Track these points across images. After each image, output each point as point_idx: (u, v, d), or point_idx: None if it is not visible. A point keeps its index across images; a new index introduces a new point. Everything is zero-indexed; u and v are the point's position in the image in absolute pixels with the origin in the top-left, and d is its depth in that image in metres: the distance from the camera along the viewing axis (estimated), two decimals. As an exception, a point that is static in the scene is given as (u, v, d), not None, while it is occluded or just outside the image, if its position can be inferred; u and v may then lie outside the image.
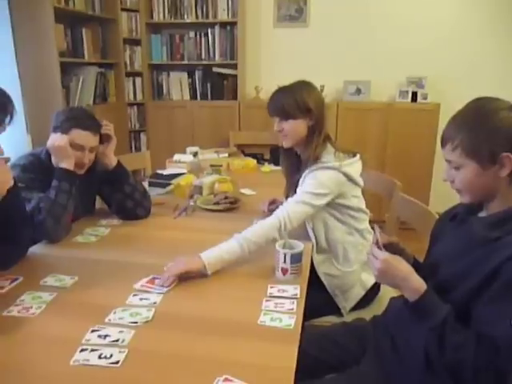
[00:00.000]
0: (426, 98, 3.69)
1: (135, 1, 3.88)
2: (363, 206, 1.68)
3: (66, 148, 1.57)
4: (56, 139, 1.57)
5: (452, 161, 1.05)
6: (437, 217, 1.35)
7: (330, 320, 1.64)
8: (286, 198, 1.82)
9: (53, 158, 1.64)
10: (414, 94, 3.70)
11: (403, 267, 1.05)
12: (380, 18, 3.79)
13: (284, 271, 1.29)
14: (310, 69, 3.89)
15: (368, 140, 3.72)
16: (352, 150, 1.65)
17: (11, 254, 1.38)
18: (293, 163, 1.76)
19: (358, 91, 3.83)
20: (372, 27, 3.82)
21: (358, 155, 1.64)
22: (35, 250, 1.50)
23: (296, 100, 1.60)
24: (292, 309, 1.13)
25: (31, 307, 1.13)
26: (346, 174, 1.56)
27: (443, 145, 1.07)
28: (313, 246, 1.61)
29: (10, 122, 1.16)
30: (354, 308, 1.67)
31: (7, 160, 1.22)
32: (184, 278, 1.29)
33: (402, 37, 3.79)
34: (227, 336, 1.03)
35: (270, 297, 1.19)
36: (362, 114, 3.72)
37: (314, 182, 1.53)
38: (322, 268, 1.64)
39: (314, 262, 1.60)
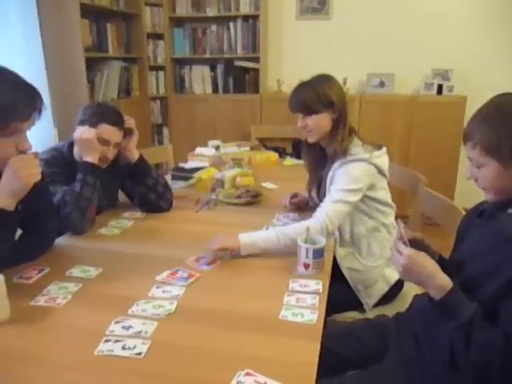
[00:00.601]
0: (451, 91, 3.60)
1: (158, -5, 3.90)
2: (389, 199, 1.66)
3: (93, 141, 1.59)
4: (84, 132, 1.59)
5: (473, 159, 1.02)
6: (463, 212, 1.32)
7: (352, 316, 1.63)
8: (309, 192, 1.81)
9: (77, 151, 1.67)
10: (440, 87, 3.62)
11: (428, 264, 1.03)
12: (404, 9, 3.71)
13: (306, 266, 1.28)
14: (333, 61, 3.84)
15: (391, 133, 3.66)
16: (378, 143, 1.63)
17: (38, 245, 1.42)
18: (316, 158, 1.74)
19: (382, 84, 3.77)
20: (396, 19, 3.74)
21: (385, 148, 1.62)
22: (61, 241, 1.53)
23: (318, 94, 1.58)
24: (314, 304, 1.12)
25: (57, 297, 1.16)
26: (376, 166, 1.54)
27: (464, 142, 1.04)
28: (336, 239, 1.60)
29: (38, 117, 1.18)
30: (377, 304, 1.65)
31: (36, 155, 1.25)
32: (206, 273, 1.29)
33: (427, 28, 3.70)
34: (248, 330, 1.03)
35: (292, 291, 1.19)
36: (386, 107, 3.66)
37: (346, 178, 1.52)
38: (345, 262, 1.62)
39: (337, 256, 1.59)
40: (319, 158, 1.72)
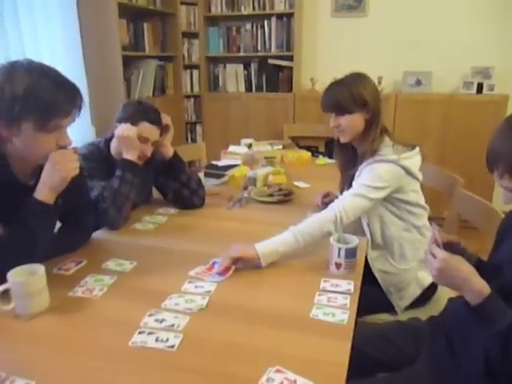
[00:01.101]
0: (492, 90, 3.48)
1: (194, -6, 3.95)
2: (422, 201, 1.62)
3: (134, 138, 1.63)
4: (126, 129, 1.63)
5: (505, 187, 0.98)
6: (501, 215, 1.27)
7: (383, 318, 1.60)
8: (341, 192, 1.79)
9: (114, 147, 1.71)
10: (480, 85, 3.50)
11: (464, 267, 1.00)
12: (442, 4, 3.61)
13: (338, 266, 1.27)
14: (368, 59, 3.79)
15: (428, 133, 3.57)
16: (411, 143, 1.59)
17: (77, 238, 1.47)
18: (348, 157, 1.72)
19: (419, 82, 3.68)
20: (434, 15, 3.64)
21: (418, 148, 1.58)
22: (97, 235, 1.58)
23: (351, 93, 1.56)
24: (345, 304, 1.12)
25: (94, 289, 1.19)
26: (404, 167, 1.51)
27: (489, 169, 1.00)
28: (367, 241, 1.58)
29: (78, 113, 1.22)
30: (409, 307, 1.62)
31: (75, 150, 1.29)
32: (238, 269, 1.31)
33: (467, 25, 3.59)
34: (279, 327, 1.03)
35: (323, 291, 1.18)
36: (422, 106, 3.57)
37: (371, 175, 1.49)
38: (377, 264, 1.60)
39: (369, 258, 1.57)
40: (351, 158, 1.70)
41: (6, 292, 1.04)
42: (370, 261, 1.58)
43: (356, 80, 1.60)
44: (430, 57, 3.71)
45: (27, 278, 1.06)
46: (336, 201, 1.51)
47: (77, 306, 1.12)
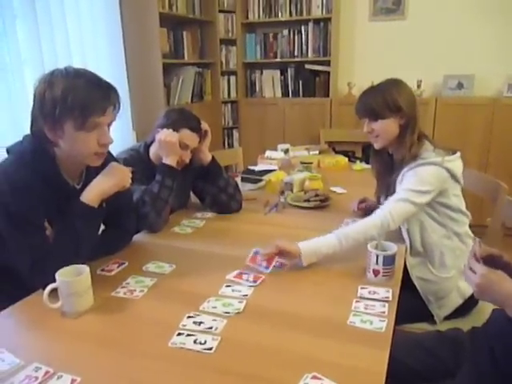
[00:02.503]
0: (540, 92, 3.34)
1: (232, 2, 4.01)
2: (463, 207, 1.58)
3: (176, 144, 1.67)
4: (168, 135, 1.67)
5: None
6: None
7: (421, 327, 1.57)
8: (378, 200, 1.76)
9: (153, 151, 1.77)
10: (526, 88, 3.37)
11: (506, 283, 0.96)
12: (484, 5, 3.49)
13: (376, 273, 1.26)
14: (407, 63, 3.72)
15: (469, 138, 3.46)
16: (452, 147, 1.56)
17: (119, 240, 1.52)
18: (384, 164, 1.71)
19: (460, 86, 3.58)
20: (475, 16, 3.53)
21: (459, 153, 1.55)
22: (138, 238, 1.62)
23: (385, 99, 1.55)
24: (383, 312, 1.10)
25: (135, 290, 1.23)
26: (448, 170, 1.48)
27: None
28: (407, 248, 1.55)
29: (115, 111, 1.25)
30: (449, 316, 1.57)
31: (132, 171, 1.40)
32: (275, 273, 1.31)
33: (509, 26, 3.45)
34: (316, 333, 1.03)
35: (361, 298, 1.17)
36: (464, 110, 3.47)
37: (415, 180, 1.47)
38: (416, 272, 1.57)
39: (408, 265, 1.54)
40: (387, 165, 1.68)
41: (55, 291, 1.09)
42: (408, 268, 1.55)
43: (390, 85, 1.59)
44: (471, 59, 3.60)
45: (73, 278, 1.11)
46: (381, 207, 1.49)
47: (119, 305, 1.16)
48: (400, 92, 1.57)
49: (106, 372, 0.92)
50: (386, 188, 1.67)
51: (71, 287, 1.10)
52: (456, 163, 1.52)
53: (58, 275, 1.09)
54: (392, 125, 1.56)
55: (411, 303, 1.51)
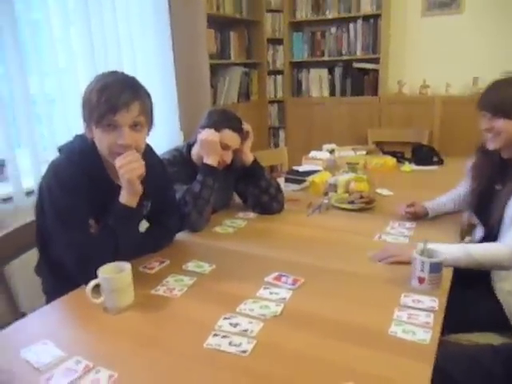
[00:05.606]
0: None
1: (279, 1, 3.99)
2: None
3: (217, 144, 1.68)
4: (210, 134, 1.69)
5: None
6: None
7: (471, 338, 1.47)
8: (471, 207, 1.63)
9: (195, 152, 1.78)
10: None
11: None
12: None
13: (421, 280, 1.19)
14: (462, 60, 3.55)
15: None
16: None
17: (162, 238, 1.55)
18: (491, 168, 1.55)
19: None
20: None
21: None
22: (179, 236, 1.64)
23: None
24: (428, 322, 1.04)
25: (174, 289, 1.24)
26: None
27: None
28: None
29: (126, 110, 1.23)
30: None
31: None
32: (313, 278, 1.29)
33: None
34: (355, 342, 0.99)
35: (403, 306, 1.12)
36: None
37: None
38: (504, 284, 1.43)
39: (492, 274, 1.45)
40: (495, 170, 1.53)
41: (97, 287, 1.13)
42: (492, 277, 1.45)
43: None
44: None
45: (114, 274, 1.14)
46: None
47: (158, 303, 1.17)
48: None
49: (141, 369, 0.93)
50: (482, 196, 1.54)
51: (112, 284, 1.12)
52: None
53: (99, 272, 1.12)
54: None
55: (487, 311, 1.42)
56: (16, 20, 2.14)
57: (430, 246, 1.25)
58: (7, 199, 2.21)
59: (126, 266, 1.16)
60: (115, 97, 1.21)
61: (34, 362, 0.94)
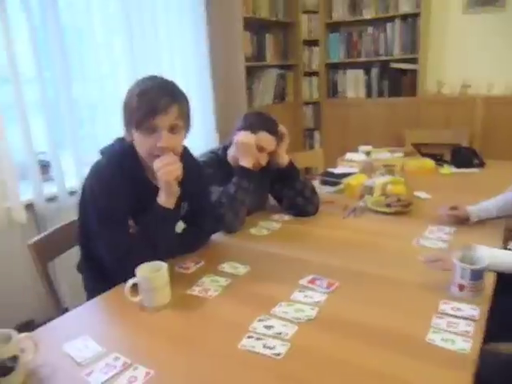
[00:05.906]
0: None
1: (315, 2, 3.97)
2: None
3: (252, 146, 1.70)
4: (245, 136, 1.70)
5: None
6: None
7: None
8: None
9: (230, 154, 1.79)
10: None
11: None
12: None
13: (461, 287, 1.16)
14: (506, 59, 3.41)
15: None
16: None
17: (198, 239, 1.57)
18: None
19: None
20: None
21: None
22: (215, 238, 1.66)
23: None
24: (467, 331, 1.01)
25: (209, 289, 1.26)
26: None
27: None
28: None
29: (165, 113, 1.25)
30: None
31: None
32: (349, 280, 1.27)
33: None
34: (390, 349, 0.97)
35: (442, 314, 1.08)
36: None
37: None
38: None
39: None
40: None
41: (135, 286, 1.16)
42: None
43: None
44: None
45: (152, 273, 1.17)
46: None
47: (193, 304, 1.19)
48: None
49: (176, 367, 0.95)
50: None
51: (149, 283, 1.15)
52: None
53: (137, 271, 1.15)
54: None
55: None
56: (62, 28, 2.23)
57: (478, 249, 1.20)
58: (52, 199, 2.31)
59: (163, 265, 1.18)
60: (154, 101, 1.24)
61: (76, 356, 0.98)
